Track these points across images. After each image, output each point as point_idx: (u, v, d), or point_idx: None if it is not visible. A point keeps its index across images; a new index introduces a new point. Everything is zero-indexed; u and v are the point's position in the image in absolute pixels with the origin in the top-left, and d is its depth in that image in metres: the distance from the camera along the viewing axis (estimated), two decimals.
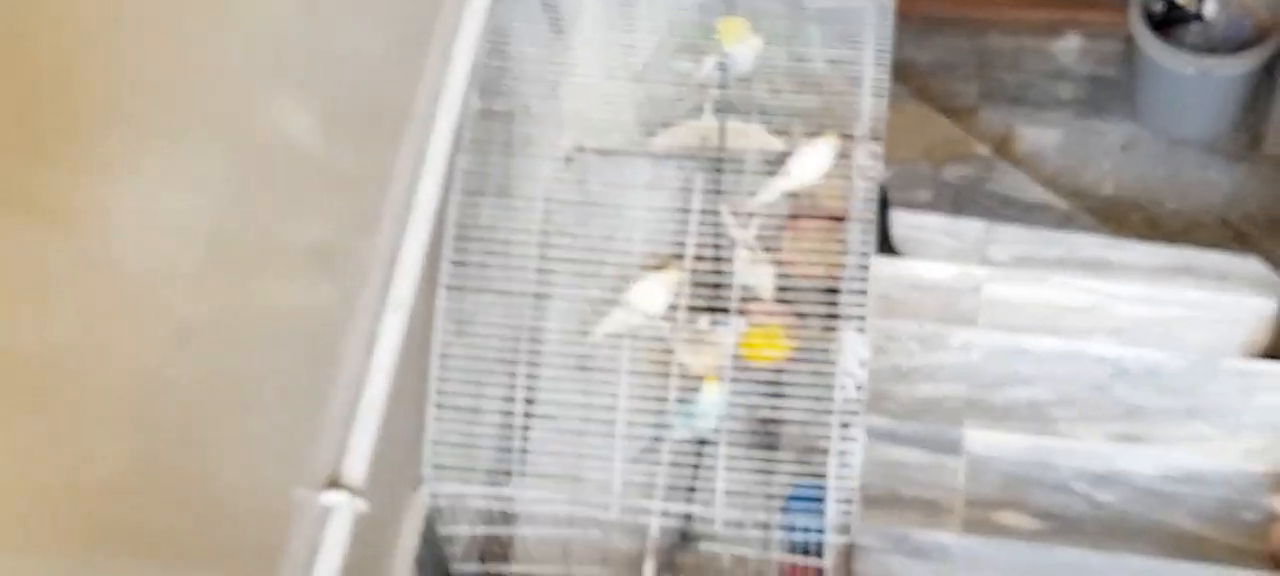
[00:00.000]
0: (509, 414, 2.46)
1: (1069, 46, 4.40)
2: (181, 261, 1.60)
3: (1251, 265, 3.35)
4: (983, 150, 4.19)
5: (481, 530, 2.50)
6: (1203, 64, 3.99)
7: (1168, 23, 4.08)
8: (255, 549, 1.90)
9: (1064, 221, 4.00)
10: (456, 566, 2.50)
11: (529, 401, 2.47)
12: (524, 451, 2.48)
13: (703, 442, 2.46)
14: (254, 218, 1.78)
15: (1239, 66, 3.97)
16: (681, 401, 2.45)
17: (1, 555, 1.29)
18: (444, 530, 2.48)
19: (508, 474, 2.46)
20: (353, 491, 2.04)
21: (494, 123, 2.46)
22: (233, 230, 1.73)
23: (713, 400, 2.43)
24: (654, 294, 2.50)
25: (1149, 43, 4.02)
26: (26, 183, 1.26)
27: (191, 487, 1.70)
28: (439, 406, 2.37)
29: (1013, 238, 3.50)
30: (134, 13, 1.43)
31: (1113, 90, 4.30)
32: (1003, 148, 4.20)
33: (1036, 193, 4.11)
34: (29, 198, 1.28)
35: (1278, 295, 3.21)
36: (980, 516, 2.85)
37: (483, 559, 2.48)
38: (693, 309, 2.51)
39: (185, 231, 1.60)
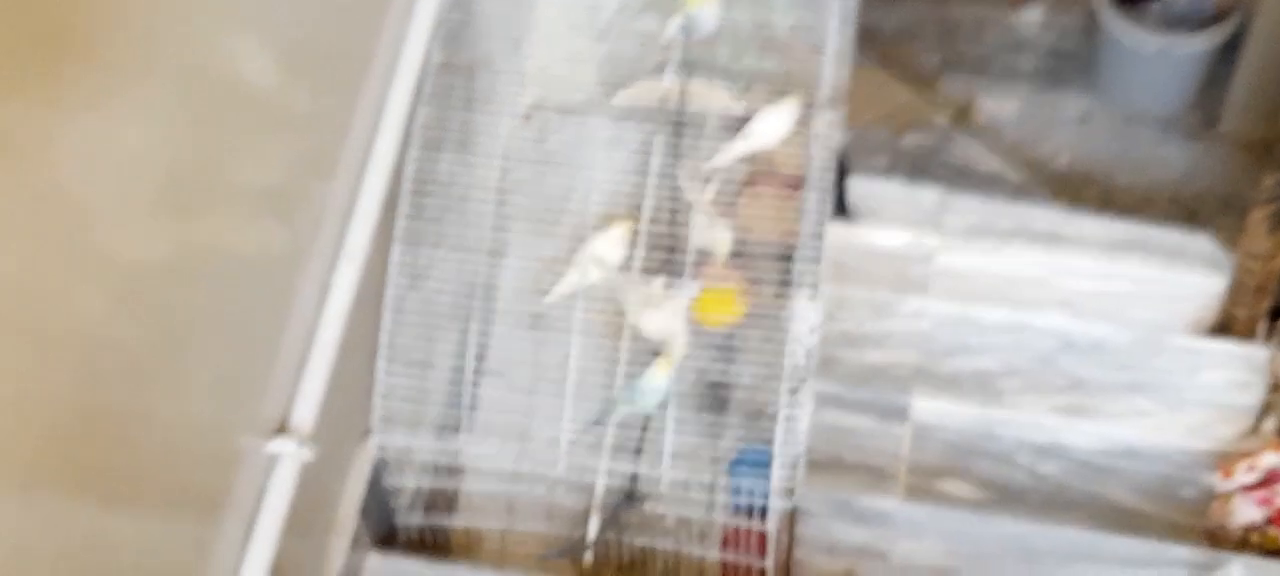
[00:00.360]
0: (459, 368, 2.47)
1: (1031, 19, 4.42)
2: (133, 200, 1.59)
3: (1201, 243, 3.38)
4: (941, 120, 4.21)
5: (428, 482, 2.49)
6: (1163, 41, 4.02)
7: (1127, 1, 4.10)
8: (201, 492, 1.90)
9: (1019, 193, 4.02)
10: (402, 517, 2.51)
11: (480, 356, 2.47)
12: (473, 406, 2.48)
13: None
14: (209, 159, 1.78)
15: (1198, 45, 4.00)
16: (629, 376, 2.46)
17: None
18: (390, 481, 2.49)
19: (456, 428, 2.47)
20: (300, 439, 2.04)
21: (455, 76, 2.46)
22: (187, 171, 1.72)
23: (658, 383, 2.44)
24: (609, 250, 2.50)
25: (1111, 18, 4.04)
26: None
27: (138, 428, 1.70)
28: (390, 359, 2.38)
29: (967, 208, 3.52)
30: None
31: (1073, 64, 4.32)
32: (961, 117, 4.22)
33: (993, 163, 4.13)
34: None
35: (1226, 273, 3.24)
36: (923, 484, 2.88)
37: (427, 510, 2.48)
38: (647, 270, 2.51)
39: (138, 170, 1.60)
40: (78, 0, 1.41)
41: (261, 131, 1.95)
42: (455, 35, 2.46)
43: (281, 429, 2.04)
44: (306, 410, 2.07)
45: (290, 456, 2.03)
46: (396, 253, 2.37)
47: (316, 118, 2.13)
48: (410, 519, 2.49)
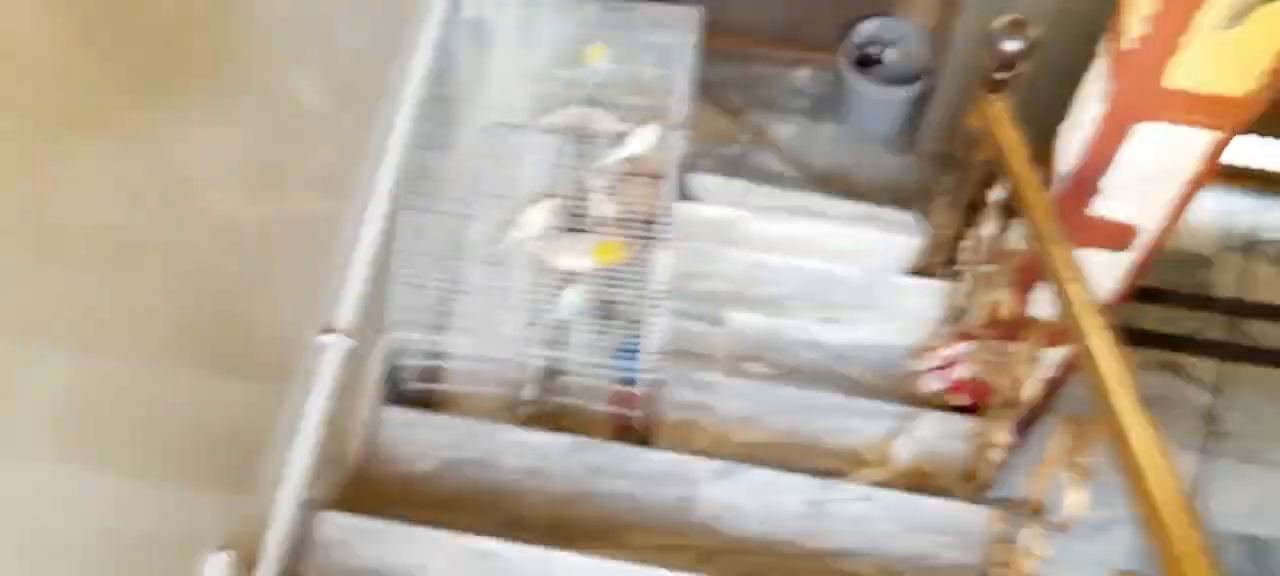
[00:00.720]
0: (444, 290, 2.47)
1: (802, 74, 4.46)
2: (231, 178, 1.59)
3: (907, 217, 3.44)
4: (746, 139, 4.25)
5: (422, 363, 2.50)
6: (884, 91, 4.08)
7: (864, 62, 4.16)
8: (278, 369, 1.89)
9: (795, 184, 4.07)
10: (406, 385, 2.51)
11: (456, 282, 2.47)
12: (451, 314, 2.48)
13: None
14: (284, 152, 1.79)
15: (904, 94, 4.07)
16: (552, 296, 2.48)
17: (111, 357, 1.27)
18: (399, 362, 2.48)
19: (441, 328, 2.47)
20: (342, 333, 2.03)
21: (439, 103, 2.45)
22: (269, 159, 1.73)
23: (571, 300, 2.46)
24: (539, 216, 2.51)
25: (850, 75, 4.09)
26: (135, 121, 1.26)
27: (236, 325, 1.70)
28: (400, 283, 2.37)
29: (763, 194, 3.57)
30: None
31: (828, 104, 4.38)
32: (759, 137, 4.26)
33: (778, 166, 4.18)
34: (135, 131, 1.27)
35: (922, 237, 3.30)
36: (736, 365, 2.93)
37: (423, 380, 2.48)
38: (563, 228, 2.53)
39: (235, 158, 1.60)
40: (198, 38, 1.39)
41: (317, 134, 1.94)
42: (439, 77, 2.45)
43: (330, 328, 2.03)
44: (346, 315, 2.08)
45: (337, 344, 2.03)
46: (402, 216, 2.35)
47: (352, 126, 2.13)
48: (411, 386, 2.50)
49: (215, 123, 1.50)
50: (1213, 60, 2.05)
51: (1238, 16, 1.74)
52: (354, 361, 2.14)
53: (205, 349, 1.60)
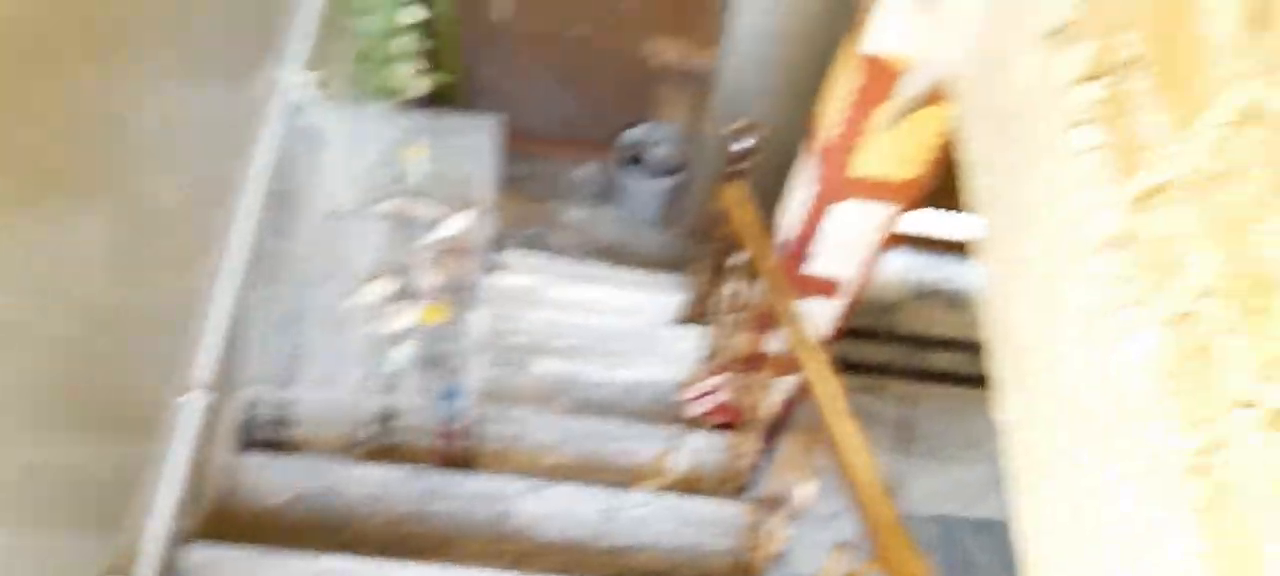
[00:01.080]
0: (290, 350, 2.39)
1: (586, 169, 4.52)
2: (92, 263, 1.52)
3: (672, 280, 3.53)
4: (543, 220, 4.27)
5: (274, 413, 2.41)
6: (650, 183, 4.18)
7: (634, 160, 4.25)
8: (145, 425, 1.81)
9: (584, 256, 4.11)
10: (260, 432, 2.41)
11: (301, 344, 2.41)
12: (297, 371, 2.41)
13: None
14: (143, 243, 1.72)
15: (666, 184, 4.18)
16: (387, 350, 2.44)
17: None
18: (253, 413, 2.39)
19: (290, 382, 2.39)
20: (200, 391, 1.95)
21: (282, 196, 2.39)
22: (130, 250, 1.66)
23: (402, 353, 2.44)
24: (372, 287, 2.48)
25: (622, 170, 4.17)
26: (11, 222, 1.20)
27: (107, 391, 1.62)
28: (251, 347, 2.29)
29: (558, 265, 3.60)
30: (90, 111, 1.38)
31: (608, 192, 4.45)
32: (554, 219, 4.29)
33: (571, 243, 4.22)
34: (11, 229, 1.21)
35: (686, 294, 3.40)
36: (541, 402, 2.93)
37: (274, 427, 2.39)
38: (394, 296, 2.50)
39: (95, 247, 1.53)
40: (67, 149, 1.35)
41: (172, 225, 1.87)
42: (281, 174, 2.39)
43: (189, 387, 1.95)
44: (203, 376, 1.99)
45: (193, 402, 1.95)
46: (252, 292, 2.27)
47: (204, 221, 2.05)
48: (264, 433, 2.40)
49: (82, 220, 1.45)
50: (883, 153, 2.26)
51: (898, 118, 1.92)
52: (212, 414, 2.06)
53: (78, 413, 1.53)
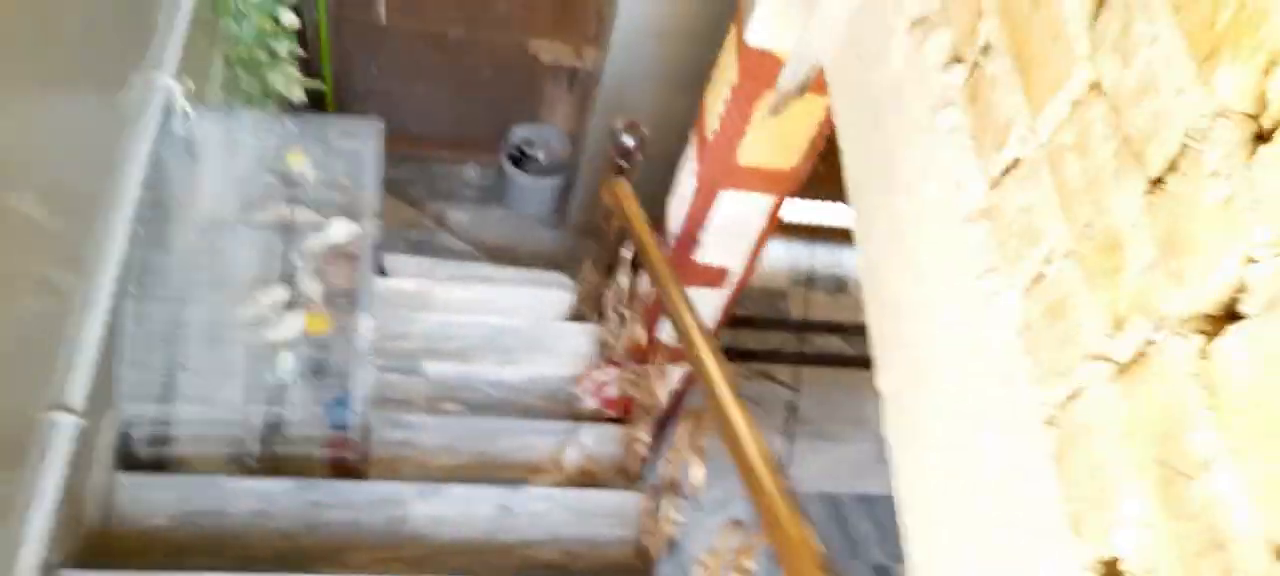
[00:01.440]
0: (169, 366, 2.30)
1: (471, 171, 4.52)
2: None
3: (561, 277, 3.56)
4: (430, 223, 4.23)
5: (152, 431, 2.31)
6: (536, 181, 4.21)
7: (520, 159, 4.27)
8: (13, 447, 1.71)
9: (472, 257, 4.10)
10: (138, 449, 2.31)
11: (179, 358, 2.32)
12: (177, 386, 2.31)
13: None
14: (8, 260, 1.61)
15: (552, 182, 4.22)
16: (270, 362, 2.37)
17: None
18: (130, 431, 2.29)
19: (169, 399, 2.29)
20: (73, 412, 1.86)
21: (156, 208, 2.30)
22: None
23: (287, 365, 2.37)
24: (259, 298, 2.41)
25: (509, 168, 4.19)
26: None
27: None
28: (126, 363, 2.19)
29: (446, 266, 3.58)
30: None
31: (493, 192, 4.46)
32: (440, 222, 4.26)
33: (458, 244, 4.20)
34: None
35: (574, 292, 3.42)
36: (433, 405, 2.91)
37: (152, 444, 2.31)
38: (276, 305, 2.43)
39: None
40: None
41: (40, 241, 1.77)
42: (154, 185, 2.29)
43: (60, 407, 1.85)
44: (76, 394, 1.89)
45: (65, 421, 1.85)
46: (126, 306, 2.18)
47: (75, 231, 1.95)
48: (143, 451, 2.30)
49: None
50: (766, 143, 2.32)
51: (778, 108, 1.98)
52: (86, 435, 1.96)
53: None
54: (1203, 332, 0.74)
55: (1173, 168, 0.81)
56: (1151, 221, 0.83)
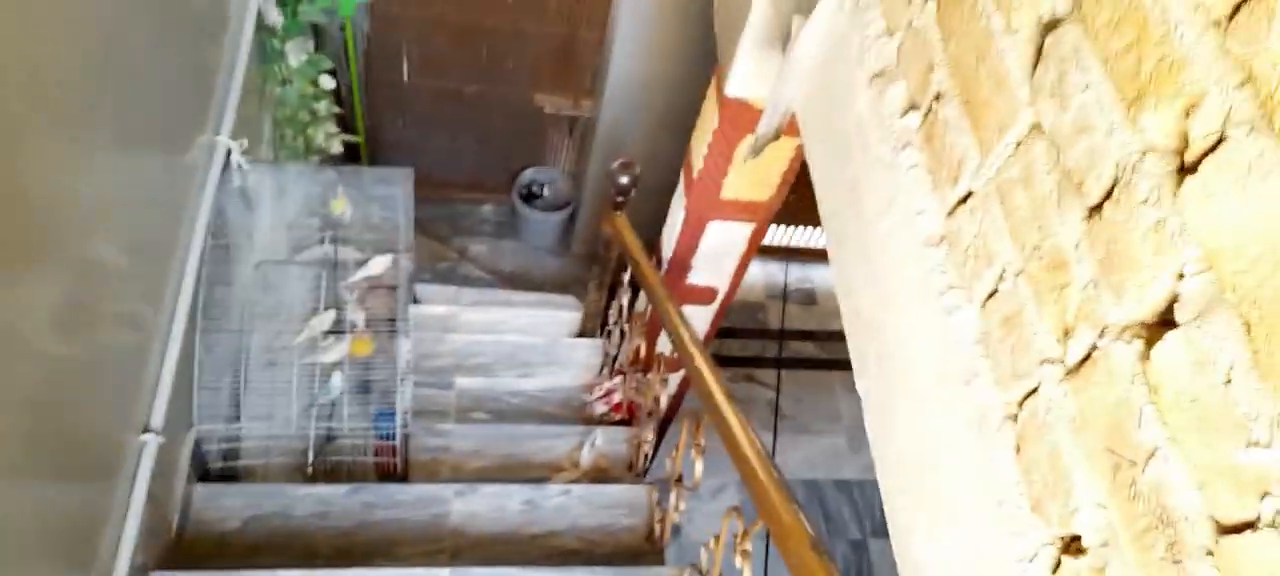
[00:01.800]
0: (236, 387, 2.30)
1: (487, 208, 4.51)
2: (56, 324, 1.43)
3: (570, 299, 3.55)
4: (453, 255, 4.23)
5: (223, 445, 2.31)
6: (544, 215, 4.21)
7: (529, 197, 4.27)
8: (108, 466, 1.71)
9: (491, 284, 4.10)
10: (211, 463, 2.31)
11: (244, 381, 2.31)
12: (243, 406, 2.31)
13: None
14: (94, 300, 1.62)
15: (558, 216, 4.22)
16: (322, 381, 2.37)
17: None
18: (205, 447, 2.28)
19: (236, 417, 2.29)
20: (157, 432, 1.86)
21: (219, 250, 2.30)
22: (83, 307, 1.57)
23: (336, 383, 2.37)
24: (309, 327, 2.40)
25: (520, 206, 4.19)
26: None
27: (70, 437, 1.53)
28: (199, 387, 2.20)
29: (470, 293, 3.58)
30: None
31: (507, 226, 4.45)
32: (463, 255, 4.26)
33: (478, 273, 4.19)
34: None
35: (581, 311, 3.42)
36: (464, 415, 2.90)
37: (225, 458, 2.30)
38: (326, 332, 2.43)
39: (59, 308, 1.44)
40: (17, 218, 1.27)
41: (121, 283, 1.78)
42: (218, 230, 2.31)
43: (147, 428, 1.85)
44: (159, 417, 1.89)
45: (152, 442, 1.85)
46: (198, 337, 2.19)
47: (151, 274, 1.95)
48: (216, 465, 2.29)
49: (35, 283, 1.37)
50: (746, 179, 2.34)
51: (756, 151, 1.99)
52: (168, 452, 1.96)
53: (45, 460, 1.43)
54: (1142, 338, 0.75)
55: (1109, 197, 0.82)
56: (1092, 244, 0.84)
